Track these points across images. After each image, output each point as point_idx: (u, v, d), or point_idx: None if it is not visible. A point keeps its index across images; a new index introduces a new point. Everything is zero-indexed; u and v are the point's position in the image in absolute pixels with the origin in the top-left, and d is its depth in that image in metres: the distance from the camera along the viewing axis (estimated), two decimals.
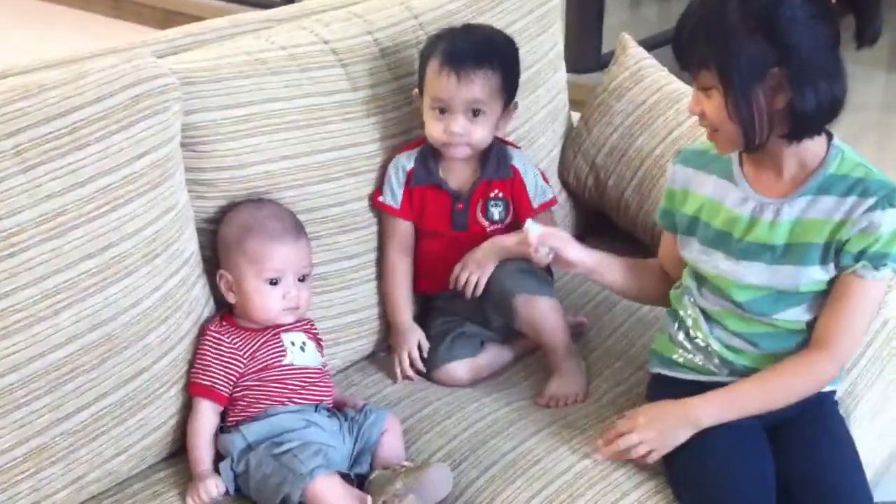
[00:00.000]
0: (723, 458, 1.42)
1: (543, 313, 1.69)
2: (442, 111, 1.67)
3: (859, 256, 1.40)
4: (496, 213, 1.76)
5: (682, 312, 1.57)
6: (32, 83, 1.35)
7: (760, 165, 1.47)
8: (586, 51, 3.99)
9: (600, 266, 1.63)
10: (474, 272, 1.70)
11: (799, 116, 1.37)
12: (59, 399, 1.34)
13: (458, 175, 1.76)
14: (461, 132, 1.67)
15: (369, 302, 1.76)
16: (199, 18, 1.81)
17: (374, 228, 1.75)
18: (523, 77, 1.88)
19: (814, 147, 1.43)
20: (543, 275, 1.78)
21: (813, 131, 1.41)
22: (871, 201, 1.39)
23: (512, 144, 1.83)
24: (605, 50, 3.96)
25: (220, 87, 1.55)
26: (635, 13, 5.61)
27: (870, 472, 1.82)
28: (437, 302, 1.81)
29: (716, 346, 1.52)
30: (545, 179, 1.84)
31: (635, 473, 1.48)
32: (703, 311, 1.53)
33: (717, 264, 1.48)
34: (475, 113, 1.67)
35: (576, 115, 2.17)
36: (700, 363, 1.54)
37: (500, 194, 1.76)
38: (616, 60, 2.14)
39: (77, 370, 1.35)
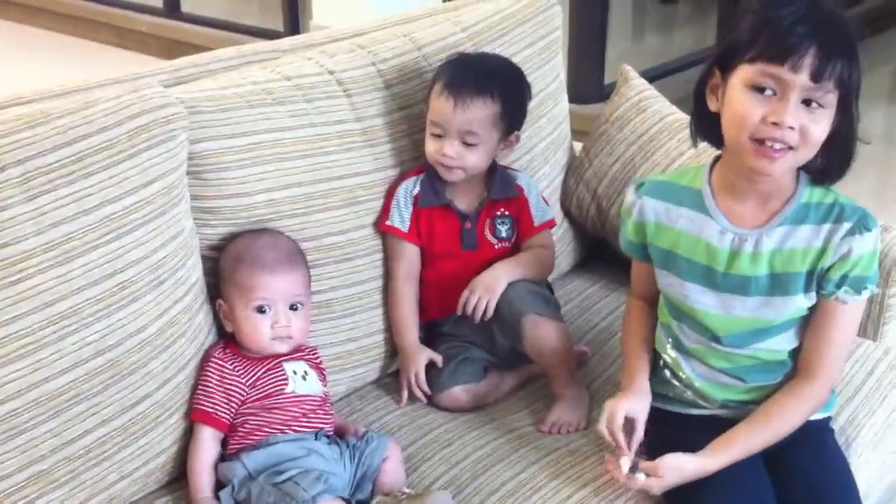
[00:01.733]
0: (723, 490, 1.42)
1: (551, 336, 1.69)
2: (439, 134, 1.70)
3: (841, 282, 1.42)
4: (503, 230, 1.79)
5: (663, 354, 1.57)
6: (40, 112, 1.36)
7: (738, 197, 1.46)
8: (588, 82, 4.02)
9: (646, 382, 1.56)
10: (483, 296, 1.71)
11: (845, 153, 1.40)
12: (62, 424, 1.35)
13: (464, 196, 1.78)
14: (454, 156, 1.69)
15: (372, 329, 1.76)
16: (202, 48, 1.83)
17: (376, 257, 1.75)
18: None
19: (788, 176, 1.44)
20: (552, 298, 1.80)
21: (844, 172, 1.43)
22: (847, 226, 1.41)
23: (513, 169, 1.85)
24: (607, 81, 4.00)
25: (226, 117, 1.56)
26: (637, 44, 5.65)
27: (871, 501, 1.83)
28: (443, 327, 1.82)
29: (699, 384, 1.53)
30: (545, 201, 1.87)
31: (640, 501, 1.48)
32: (685, 350, 1.54)
33: (700, 298, 1.48)
34: (468, 140, 1.69)
35: (578, 145, 2.19)
36: (691, 398, 1.55)
37: (507, 213, 1.80)
38: (618, 91, 2.16)
39: (80, 396, 1.36)
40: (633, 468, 1.44)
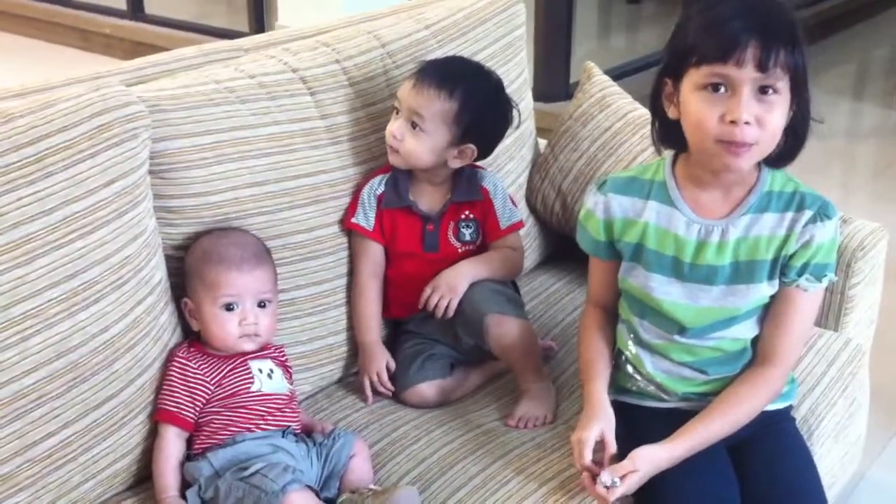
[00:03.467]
0: (687, 482, 1.43)
1: (514, 334, 1.70)
2: (397, 112, 1.72)
3: (802, 270, 1.45)
4: (468, 233, 1.79)
5: (625, 351, 1.58)
6: (0, 112, 1.35)
7: (703, 188, 1.47)
8: (554, 80, 4.05)
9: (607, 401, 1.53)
10: (446, 295, 1.72)
11: (801, 135, 1.42)
12: (25, 426, 1.34)
13: (428, 197, 1.78)
14: (396, 135, 1.70)
15: (337, 328, 1.77)
16: (163, 49, 1.82)
17: (341, 255, 1.75)
18: None
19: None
20: (515, 297, 1.80)
21: (796, 155, 1.45)
22: (808, 214, 1.44)
23: (480, 168, 1.85)
24: (572, 80, 4.02)
25: (188, 115, 1.55)
26: (603, 44, 5.69)
27: (833, 493, 1.85)
28: (408, 325, 1.82)
29: (660, 378, 1.54)
30: (513, 202, 1.86)
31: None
32: (646, 346, 1.55)
33: (667, 289, 1.49)
34: (413, 125, 1.69)
35: (544, 143, 2.20)
36: (653, 392, 1.56)
37: (471, 215, 1.79)
38: (581, 88, 2.17)
39: (44, 397, 1.35)
40: (612, 485, 1.42)
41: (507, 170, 2.04)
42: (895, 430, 2.37)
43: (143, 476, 1.51)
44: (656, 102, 1.47)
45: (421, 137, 1.70)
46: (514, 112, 1.78)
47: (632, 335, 1.57)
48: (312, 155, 1.70)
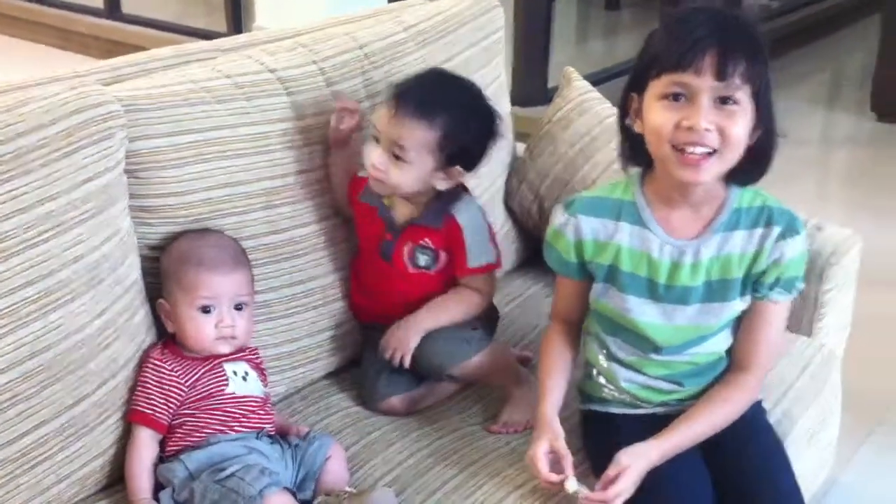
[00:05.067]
0: (662, 480, 1.43)
1: (482, 367, 1.69)
2: (377, 139, 1.66)
3: (773, 285, 1.46)
4: (423, 260, 1.71)
5: (596, 365, 1.58)
6: None
7: (672, 207, 1.47)
8: (533, 85, 4.06)
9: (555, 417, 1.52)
10: (398, 349, 1.68)
11: (767, 153, 1.42)
12: None
13: (400, 208, 1.73)
14: (380, 167, 1.64)
15: (312, 329, 1.76)
16: (141, 49, 1.81)
17: (316, 255, 1.75)
18: None
19: (717, 182, 1.44)
20: (472, 334, 1.72)
21: (763, 173, 1.45)
22: (777, 230, 1.44)
23: (467, 195, 1.75)
24: (551, 84, 4.03)
25: (165, 115, 1.55)
26: (581, 49, 5.71)
27: (806, 498, 1.86)
28: (372, 332, 1.78)
29: (635, 391, 1.55)
30: (494, 241, 1.75)
31: (576, 500, 1.49)
32: (619, 361, 1.55)
33: (643, 310, 1.49)
34: (396, 156, 1.63)
35: (521, 147, 2.20)
36: (629, 400, 1.57)
37: (430, 243, 1.71)
38: (560, 93, 2.18)
39: (17, 397, 1.34)
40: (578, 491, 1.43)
41: (485, 173, 2.03)
42: (867, 435, 2.39)
43: (117, 477, 1.50)
44: (623, 118, 1.47)
45: (405, 168, 1.63)
46: (498, 122, 1.71)
47: (603, 350, 1.57)
48: (288, 155, 1.70)
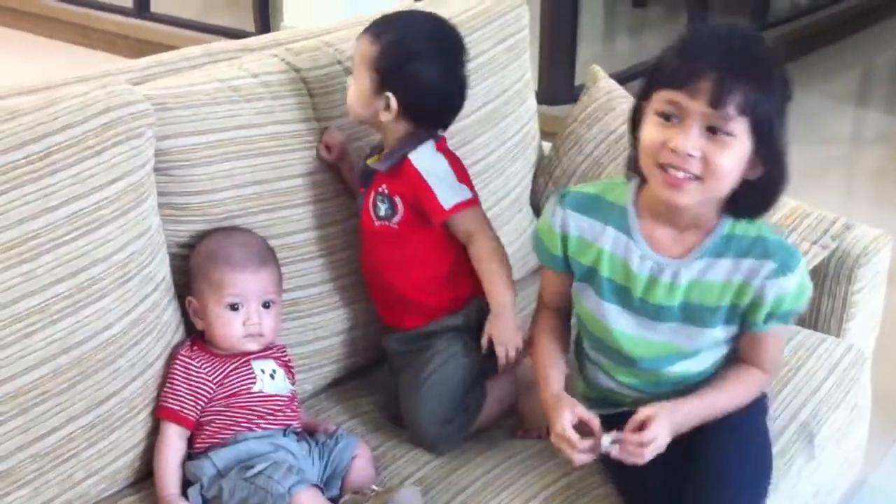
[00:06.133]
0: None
1: (486, 420, 1.66)
2: None
3: (767, 319, 1.40)
4: (382, 209, 1.64)
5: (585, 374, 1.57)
6: (5, 109, 1.36)
7: (659, 223, 1.42)
8: (559, 83, 4.05)
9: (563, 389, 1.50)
10: (510, 349, 1.60)
11: (769, 195, 1.37)
12: (29, 422, 1.34)
13: (378, 160, 1.66)
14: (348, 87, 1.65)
15: (341, 327, 1.76)
16: (169, 47, 1.82)
17: (341, 255, 1.75)
18: (491, 107, 1.90)
19: (707, 208, 1.39)
20: (463, 401, 1.63)
21: (765, 211, 1.39)
22: (770, 265, 1.37)
23: (441, 142, 1.66)
24: (577, 82, 4.02)
25: (193, 114, 1.56)
26: (608, 47, 5.69)
27: (836, 497, 1.85)
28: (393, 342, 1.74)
29: (604, 391, 1.54)
30: (465, 179, 1.64)
31: (605, 496, 1.49)
32: (592, 362, 1.54)
33: (618, 318, 1.45)
34: (351, 71, 1.64)
35: (547, 146, 2.20)
36: (609, 388, 1.54)
37: (386, 190, 1.63)
38: (587, 91, 2.18)
39: (47, 393, 1.35)
40: (615, 441, 1.39)
41: (511, 172, 2.04)
42: None
43: (145, 473, 1.51)
44: (634, 125, 1.41)
45: (352, 84, 1.63)
46: (456, 67, 1.62)
47: (582, 346, 1.56)
48: (314, 155, 1.70)
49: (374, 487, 1.48)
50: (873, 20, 5.87)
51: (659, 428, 1.37)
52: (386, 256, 1.67)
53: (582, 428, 1.41)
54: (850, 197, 3.80)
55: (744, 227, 1.40)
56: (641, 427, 1.37)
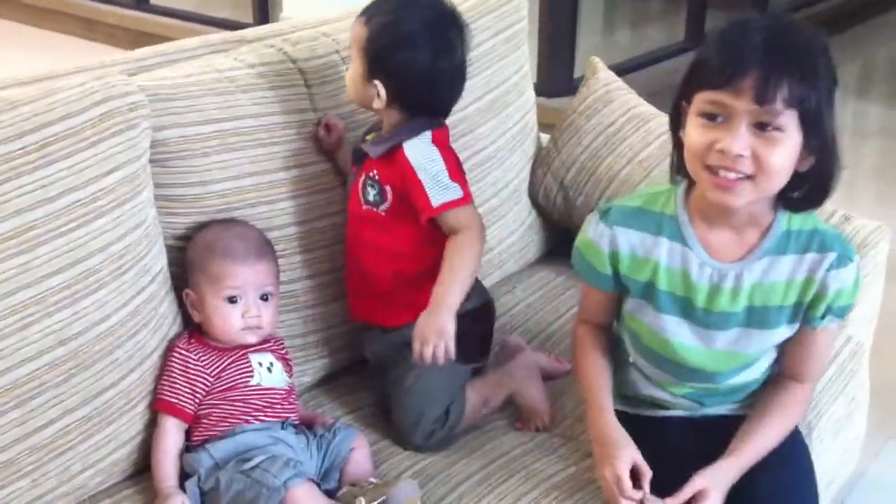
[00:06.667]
0: None
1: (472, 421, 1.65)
2: None
3: (825, 314, 1.38)
4: (371, 194, 1.61)
5: (625, 368, 1.54)
6: (2, 100, 1.35)
7: (714, 226, 1.38)
8: (558, 75, 4.04)
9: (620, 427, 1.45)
10: (440, 340, 1.51)
11: (825, 184, 1.32)
12: (26, 414, 1.34)
13: (373, 143, 1.63)
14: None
15: (339, 319, 1.76)
16: (168, 39, 1.82)
17: (339, 246, 1.74)
18: (490, 97, 1.89)
19: (761, 206, 1.36)
20: (446, 412, 1.61)
21: (822, 202, 1.36)
22: (831, 257, 1.35)
23: (441, 131, 1.62)
24: (577, 75, 4.01)
25: (189, 104, 1.56)
26: (608, 39, 5.67)
27: (834, 489, 1.85)
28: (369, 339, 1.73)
29: (652, 399, 1.52)
30: (458, 176, 1.59)
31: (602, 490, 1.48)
32: (643, 375, 1.51)
33: (678, 330, 1.42)
34: (346, 61, 1.61)
35: (546, 138, 2.20)
36: (660, 398, 1.52)
37: (377, 176, 1.60)
38: (586, 83, 2.17)
39: (44, 385, 1.35)
40: None
41: (510, 163, 2.04)
42: (894, 429, 2.37)
43: (143, 466, 1.51)
44: (675, 127, 1.37)
45: (350, 67, 1.60)
46: (449, 53, 1.57)
47: (629, 359, 1.53)
48: (311, 146, 1.70)
49: (372, 480, 1.48)
50: (873, 13, 5.86)
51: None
52: (370, 242, 1.64)
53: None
54: (849, 190, 3.79)
55: (799, 222, 1.37)
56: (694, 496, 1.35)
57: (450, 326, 1.51)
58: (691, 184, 1.38)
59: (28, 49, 5.23)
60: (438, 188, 1.56)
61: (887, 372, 2.10)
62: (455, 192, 1.57)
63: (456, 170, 1.60)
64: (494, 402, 1.68)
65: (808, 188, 1.33)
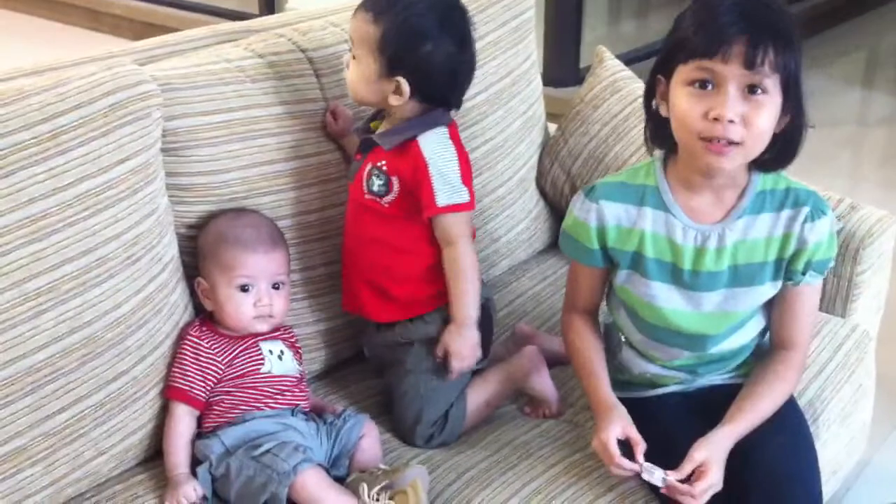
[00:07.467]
0: None
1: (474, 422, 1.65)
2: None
3: (806, 269, 1.44)
4: (376, 184, 1.59)
5: (618, 353, 1.58)
6: (13, 90, 1.36)
7: (694, 192, 1.44)
8: (565, 65, 4.04)
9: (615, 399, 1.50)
10: (465, 365, 1.59)
11: (795, 142, 1.39)
12: (39, 401, 1.35)
13: (381, 131, 1.63)
14: (345, 66, 1.60)
15: None
16: (174, 30, 1.82)
17: None
18: (498, 87, 1.89)
19: (740, 167, 1.42)
20: (445, 416, 1.62)
21: (791, 161, 1.43)
22: (805, 211, 1.42)
23: (453, 125, 1.62)
24: (583, 65, 4.01)
25: (200, 94, 1.56)
26: (613, 29, 5.66)
27: (840, 476, 1.86)
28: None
29: (648, 377, 1.55)
30: (467, 179, 1.59)
31: (608, 476, 1.49)
32: (635, 349, 1.55)
33: (670, 297, 1.47)
34: (352, 50, 1.57)
35: (553, 127, 2.20)
36: (654, 374, 1.55)
37: (385, 167, 1.58)
38: (593, 72, 2.17)
39: (57, 373, 1.37)
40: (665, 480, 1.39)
41: (518, 153, 2.04)
42: None
43: (155, 452, 1.52)
44: (649, 100, 1.45)
45: (354, 67, 1.56)
46: (465, 43, 1.57)
47: (623, 337, 1.57)
48: (320, 135, 1.70)
49: (382, 466, 1.49)
50: (879, 1, 5.84)
51: (714, 477, 1.37)
52: (369, 232, 1.63)
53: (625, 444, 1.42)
54: (855, 179, 3.79)
55: (772, 181, 1.45)
56: (690, 474, 1.37)
57: (478, 339, 1.60)
58: (668, 154, 1.47)
59: (33, 40, 5.23)
60: (447, 188, 1.55)
61: (894, 361, 2.10)
62: (462, 196, 1.57)
63: (466, 171, 1.60)
64: (496, 403, 1.68)
65: (778, 148, 1.40)
